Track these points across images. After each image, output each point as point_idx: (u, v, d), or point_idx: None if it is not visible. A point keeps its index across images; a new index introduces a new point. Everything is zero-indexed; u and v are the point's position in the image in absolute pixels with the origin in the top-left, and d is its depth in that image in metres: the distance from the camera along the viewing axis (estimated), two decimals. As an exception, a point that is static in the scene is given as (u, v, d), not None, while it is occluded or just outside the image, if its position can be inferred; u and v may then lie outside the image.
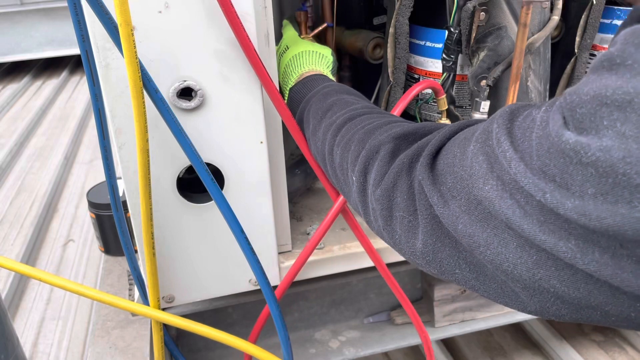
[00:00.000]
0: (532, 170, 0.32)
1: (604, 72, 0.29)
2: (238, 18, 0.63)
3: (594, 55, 1.03)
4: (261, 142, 0.75)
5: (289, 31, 0.97)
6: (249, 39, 0.65)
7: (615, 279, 0.29)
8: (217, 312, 1.02)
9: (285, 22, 1.05)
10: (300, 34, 1.05)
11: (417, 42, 0.97)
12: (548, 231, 0.31)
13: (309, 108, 0.71)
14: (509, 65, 0.86)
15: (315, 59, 0.82)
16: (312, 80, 0.77)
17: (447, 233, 0.41)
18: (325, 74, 0.81)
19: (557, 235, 0.31)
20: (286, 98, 0.79)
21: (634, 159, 0.26)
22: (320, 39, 1.15)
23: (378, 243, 0.92)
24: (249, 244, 0.72)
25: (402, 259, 0.95)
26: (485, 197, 0.35)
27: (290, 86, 0.79)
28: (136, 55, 0.57)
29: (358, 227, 0.84)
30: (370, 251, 0.87)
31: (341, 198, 0.80)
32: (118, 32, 0.55)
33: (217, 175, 0.74)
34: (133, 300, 0.81)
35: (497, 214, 0.34)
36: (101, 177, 1.21)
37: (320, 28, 1.10)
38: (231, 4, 0.62)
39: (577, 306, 0.32)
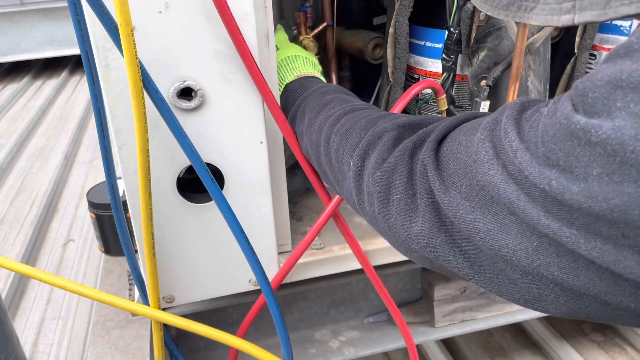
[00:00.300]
0: (537, 159, 0.32)
1: (618, 59, 0.29)
2: (234, 20, 0.63)
3: (593, 55, 1.03)
4: (261, 142, 0.75)
5: (280, 34, 1.00)
6: (245, 42, 0.65)
7: (618, 265, 0.29)
8: (217, 312, 1.02)
9: (278, 26, 1.06)
10: (299, 35, 1.07)
11: (417, 42, 0.97)
12: (552, 217, 0.31)
13: (305, 105, 0.72)
14: (509, 65, 0.86)
15: (308, 64, 0.85)
16: (309, 81, 0.79)
17: (444, 219, 0.41)
18: (317, 75, 0.84)
19: (561, 222, 0.31)
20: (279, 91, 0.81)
21: None
22: (320, 38, 1.15)
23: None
24: (249, 244, 0.72)
25: (400, 259, 0.95)
26: (489, 182, 0.35)
27: (285, 84, 0.81)
28: (136, 55, 0.57)
29: (347, 230, 0.84)
30: (359, 254, 0.87)
31: (337, 196, 0.80)
32: (118, 32, 0.55)
33: (217, 175, 0.74)
34: (133, 300, 0.81)
35: (501, 198, 0.34)
36: (101, 177, 1.21)
37: (320, 28, 1.11)
38: (227, 6, 0.62)
39: (576, 294, 0.32)
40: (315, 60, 0.89)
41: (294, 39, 1.10)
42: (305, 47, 1.06)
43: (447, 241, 0.41)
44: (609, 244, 0.29)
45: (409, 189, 0.45)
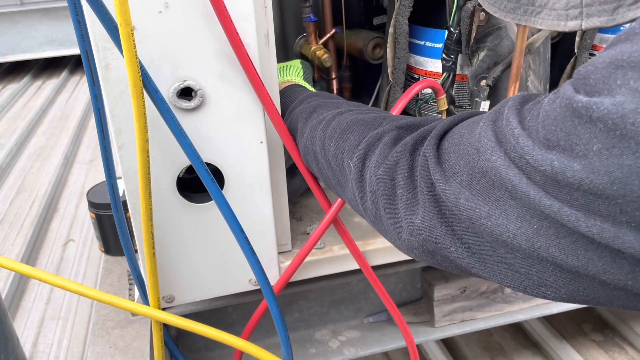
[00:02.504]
0: (538, 144, 0.33)
1: (619, 43, 0.30)
2: (231, 21, 0.63)
3: (593, 55, 1.03)
4: (261, 142, 0.75)
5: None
6: (242, 43, 0.65)
7: (617, 241, 0.30)
8: (217, 312, 1.02)
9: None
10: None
11: (417, 42, 0.97)
12: (553, 198, 0.32)
13: (294, 116, 0.74)
14: (509, 65, 0.86)
15: (284, 72, 0.88)
16: (291, 93, 0.81)
17: (444, 211, 0.42)
18: (298, 82, 0.86)
19: (562, 202, 0.32)
20: None
21: None
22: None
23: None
24: (249, 244, 0.72)
25: (400, 258, 0.95)
26: (492, 167, 0.36)
27: None
28: (136, 55, 0.57)
29: (345, 232, 0.84)
30: (357, 255, 0.87)
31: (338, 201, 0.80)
32: (118, 32, 0.55)
33: (217, 175, 0.74)
34: (133, 300, 0.81)
35: (503, 182, 0.35)
36: (101, 177, 1.21)
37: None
38: (225, 7, 0.61)
39: (575, 275, 0.33)
40: (295, 63, 0.91)
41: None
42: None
43: (447, 232, 0.42)
44: (607, 222, 0.30)
45: (410, 183, 0.46)
